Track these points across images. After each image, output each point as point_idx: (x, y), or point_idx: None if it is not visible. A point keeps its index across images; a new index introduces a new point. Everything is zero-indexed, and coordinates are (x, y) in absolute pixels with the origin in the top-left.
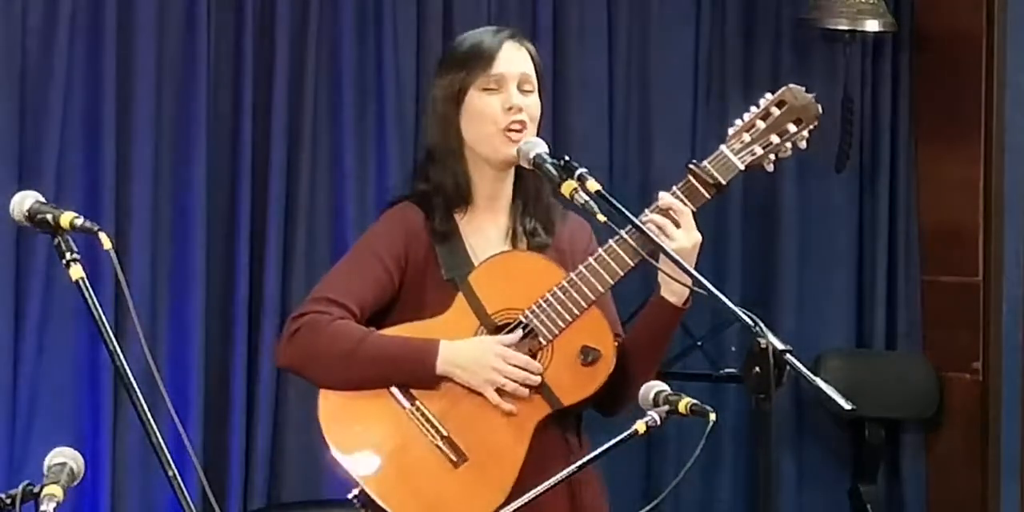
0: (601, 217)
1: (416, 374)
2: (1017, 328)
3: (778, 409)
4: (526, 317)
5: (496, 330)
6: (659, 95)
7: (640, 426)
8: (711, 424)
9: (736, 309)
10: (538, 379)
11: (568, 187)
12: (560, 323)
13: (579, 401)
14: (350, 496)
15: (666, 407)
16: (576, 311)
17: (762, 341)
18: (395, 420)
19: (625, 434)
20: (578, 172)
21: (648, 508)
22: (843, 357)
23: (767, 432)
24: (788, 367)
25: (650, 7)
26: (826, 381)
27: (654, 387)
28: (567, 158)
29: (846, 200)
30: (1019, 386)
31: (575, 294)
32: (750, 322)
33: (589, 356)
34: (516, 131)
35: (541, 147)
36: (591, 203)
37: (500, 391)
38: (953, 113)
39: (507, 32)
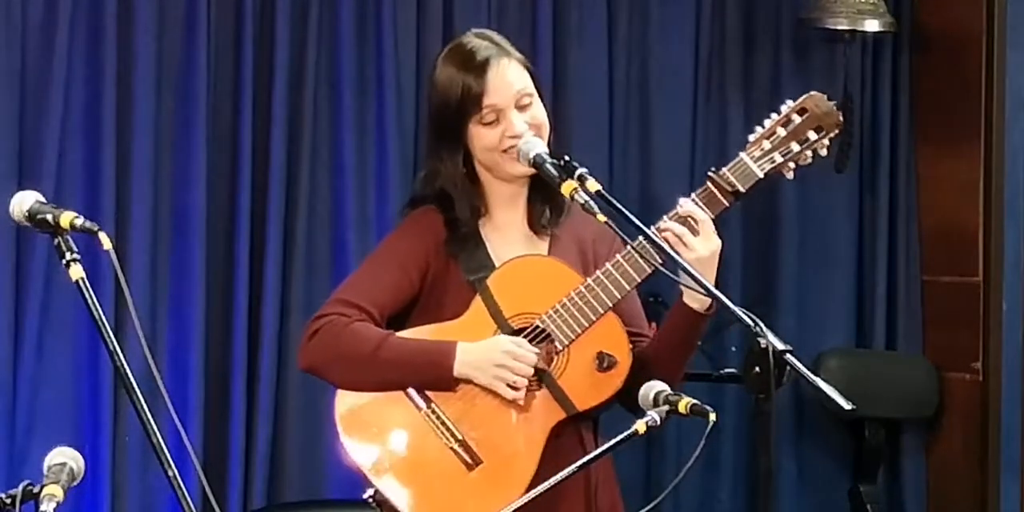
0: (601, 217)
1: (434, 376)
2: (1017, 328)
3: (778, 409)
4: (543, 321)
5: (513, 334)
6: (659, 95)
7: (640, 426)
8: (711, 424)
9: (736, 309)
10: (531, 370)
11: (568, 187)
12: (577, 328)
13: (594, 407)
14: (365, 496)
15: (666, 407)
16: (593, 317)
17: (762, 341)
18: (410, 422)
19: (625, 434)
20: (578, 172)
21: (648, 508)
22: (843, 357)
23: (767, 432)
24: (788, 367)
25: (650, 7)
26: (826, 381)
27: (654, 387)
28: (567, 158)
29: (846, 200)
30: (1019, 386)
31: (592, 299)
32: (750, 322)
33: (605, 362)
34: None
35: (540, 147)
36: (591, 203)
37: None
38: (953, 113)
39: (488, 52)
